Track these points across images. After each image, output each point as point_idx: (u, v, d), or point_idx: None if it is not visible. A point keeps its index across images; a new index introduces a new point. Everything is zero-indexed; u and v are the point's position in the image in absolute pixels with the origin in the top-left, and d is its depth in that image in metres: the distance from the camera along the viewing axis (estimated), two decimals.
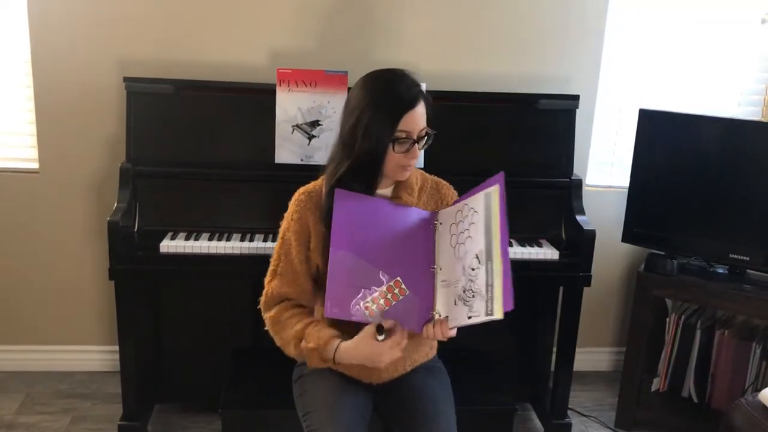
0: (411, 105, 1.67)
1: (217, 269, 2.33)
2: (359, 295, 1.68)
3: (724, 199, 2.57)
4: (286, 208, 1.82)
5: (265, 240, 2.36)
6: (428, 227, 1.76)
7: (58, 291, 2.91)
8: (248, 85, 2.53)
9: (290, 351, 1.72)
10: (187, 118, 2.47)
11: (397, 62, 1.77)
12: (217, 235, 2.37)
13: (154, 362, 2.66)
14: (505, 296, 1.55)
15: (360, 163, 1.70)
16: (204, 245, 2.30)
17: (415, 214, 1.78)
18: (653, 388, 2.86)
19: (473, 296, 1.60)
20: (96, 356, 2.99)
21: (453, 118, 2.54)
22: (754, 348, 2.60)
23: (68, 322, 2.95)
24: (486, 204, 1.64)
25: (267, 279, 1.78)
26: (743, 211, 2.55)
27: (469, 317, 1.60)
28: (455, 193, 1.88)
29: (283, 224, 1.78)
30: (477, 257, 1.62)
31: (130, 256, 2.27)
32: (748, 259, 2.55)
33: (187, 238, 2.33)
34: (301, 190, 1.80)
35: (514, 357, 2.77)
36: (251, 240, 2.35)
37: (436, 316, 1.68)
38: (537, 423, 2.78)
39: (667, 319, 2.81)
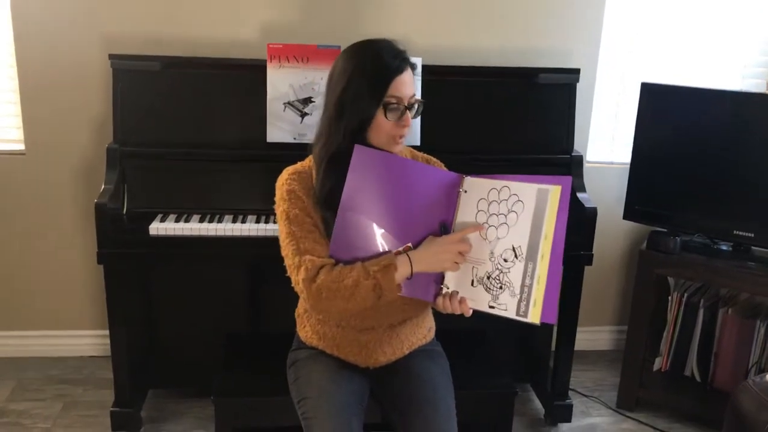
0: (399, 70, 1.61)
1: (209, 252, 2.26)
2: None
3: (728, 174, 2.50)
4: None
5: (257, 221, 2.29)
6: (451, 192, 1.66)
7: (47, 275, 2.85)
8: (238, 62, 2.45)
9: (363, 290, 1.55)
10: (175, 97, 2.40)
11: (390, 36, 1.69)
12: (208, 216, 2.30)
13: (147, 346, 2.61)
14: (546, 305, 1.53)
15: (350, 137, 1.63)
16: (195, 227, 2.23)
17: (439, 175, 1.69)
18: (655, 367, 2.82)
19: (500, 287, 1.57)
20: (88, 341, 2.94)
21: (449, 94, 2.47)
22: (759, 326, 2.55)
23: (59, 307, 2.90)
24: (539, 200, 1.56)
25: (294, 261, 1.61)
26: (748, 186, 2.48)
27: (491, 306, 1.57)
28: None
29: (280, 207, 1.68)
30: (513, 250, 1.57)
31: (118, 239, 2.20)
32: (752, 235, 2.48)
33: (177, 220, 2.26)
34: (290, 170, 1.72)
35: (513, 337, 2.72)
36: (243, 221, 2.29)
37: (444, 290, 1.62)
38: (537, 404, 2.74)
39: (670, 298, 2.76)
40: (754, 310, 2.66)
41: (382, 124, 1.61)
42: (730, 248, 2.60)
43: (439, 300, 1.63)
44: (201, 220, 2.28)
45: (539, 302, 1.54)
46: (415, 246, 1.63)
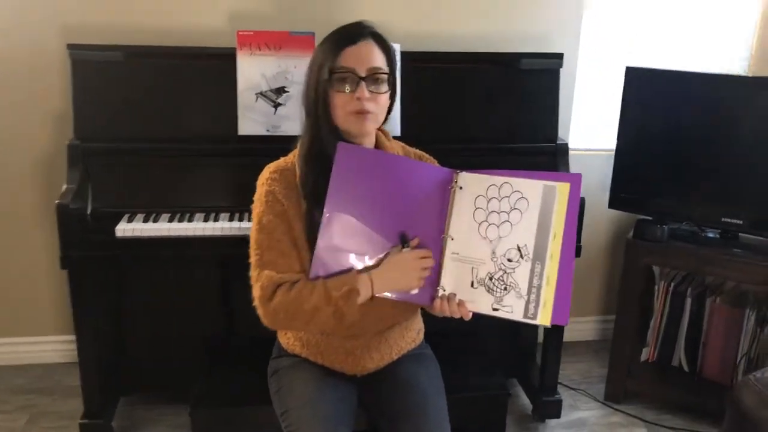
0: (353, 39, 1.51)
1: (180, 253, 2.13)
2: (351, 263, 1.52)
3: (716, 160, 2.45)
4: (252, 184, 1.63)
5: (231, 219, 2.16)
6: (444, 189, 1.56)
7: (8, 280, 2.70)
8: (206, 50, 2.32)
9: (323, 316, 1.47)
10: (140, 89, 2.25)
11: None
12: (178, 215, 2.17)
13: (116, 352, 2.47)
14: (557, 307, 1.47)
15: (317, 123, 1.54)
16: (164, 227, 2.10)
17: (430, 171, 1.59)
18: (642, 358, 2.76)
19: (505, 289, 1.50)
20: (53, 347, 2.80)
21: (429, 81, 2.37)
22: (747, 315, 2.50)
23: (22, 312, 2.74)
24: (546, 198, 1.49)
25: (254, 274, 1.54)
26: (736, 172, 2.43)
27: (495, 309, 1.51)
28: None
29: (256, 208, 1.57)
30: (519, 250, 1.50)
31: (83, 242, 2.06)
32: (741, 222, 2.43)
33: (145, 220, 2.13)
34: (271, 167, 1.60)
35: (499, 331, 2.64)
36: (216, 220, 2.16)
37: (440, 292, 1.53)
38: (524, 399, 2.67)
39: (656, 287, 2.70)
40: (741, 298, 2.61)
41: (334, 98, 1.51)
42: (718, 236, 2.54)
43: (436, 303, 1.53)
44: (171, 220, 2.15)
45: (549, 303, 1.47)
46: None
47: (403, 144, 1.72)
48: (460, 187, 1.55)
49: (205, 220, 2.16)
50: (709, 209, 2.48)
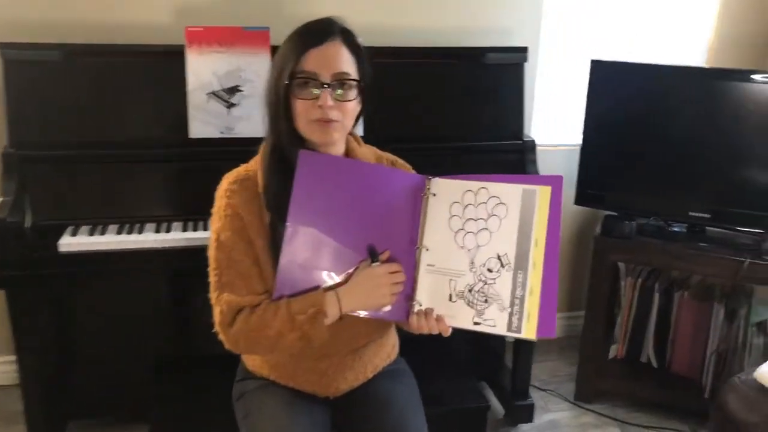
0: (319, 40, 1.37)
1: (131, 267, 1.98)
2: (319, 280, 1.40)
3: (682, 153, 2.41)
4: (206, 191, 1.50)
5: (184, 229, 2.02)
6: (415, 196, 1.46)
7: None
8: (152, 48, 2.15)
9: (288, 341, 1.37)
10: (80, 90, 2.08)
11: (322, 15, 1.46)
12: (127, 226, 2.02)
13: (63, 373, 2.29)
14: (543, 318, 1.37)
15: (277, 129, 1.42)
16: (112, 240, 1.95)
17: (400, 178, 1.49)
18: (611, 355, 2.73)
19: (486, 301, 1.40)
20: None
21: (389, 78, 2.24)
22: (716, 309, 2.48)
23: None
24: (525, 203, 1.40)
25: (213, 295, 1.42)
26: (703, 165, 2.40)
27: (476, 323, 1.41)
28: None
29: (214, 223, 1.44)
30: (499, 259, 1.40)
31: (22, 259, 1.89)
32: (709, 216, 2.40)
33: (91, 233, 1.97)
34: (230, 177, 1.46)
35: (465, 333, 2.55)
36: (168, 230, 2.02)
37: (416, 307, 1.43)
38: (493, 402, 2.60)
39: (623, 283, 2.67)
40: (708, 292, 2.59)
41: (296, 105, 1.39)
42: (685, 230, 2.51)
43: (412, 319, 1.43)
44: (119, 232, 1.99)
45: (534, 315, 1.38)
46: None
47: (375, 149, 1.61)
48: (433, 194, 1.46)
49: (157, 230, 2.02)
50: (676, 203, 2.45)
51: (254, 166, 1.47)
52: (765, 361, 2.40)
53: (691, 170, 2.42)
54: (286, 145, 1.42)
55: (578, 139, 2.57)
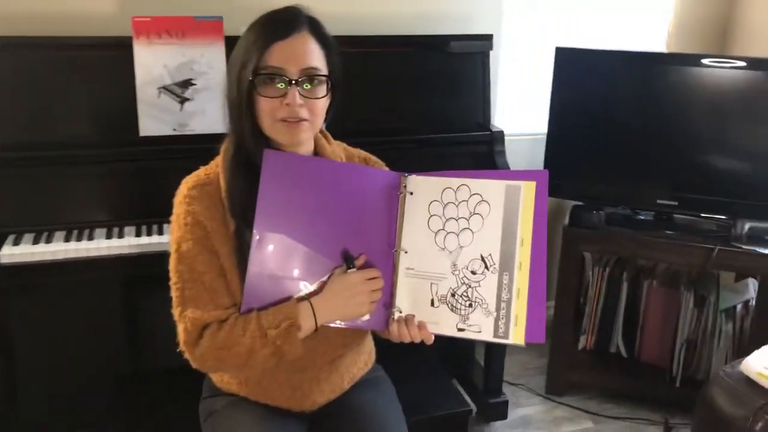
0: (285, 32, 1.26)
1: (81, 277, 1.84)
2: (290, 290, 1.30)
3: (648, 141, 2.38)
4: (160, 192, 1.39)
5: (138, 234, 1.89)
6: (391, 195, 1.36)
7: None
8: (96, 40, 2.00)
9: (260, 358, 1.26)
10: (15, 87, 1.92)
11: (278, 2, 1.35)
12: (75, 232, 1.87)
13: (7, 397, 2.09)
14: (531, 323, 1.29)
15: (240, 127, 1.30)
16: (60, 248, 1.80)
17: (374, 176, 1.39)
18: (580, 346, 2.70)
19: (470, 305, 1.32)
20: None
21: (348, 68, 2.14)
22: (686, 296, 2.46)
23: None
24: (509, 200, 1.31)
25: (176, 311, 1.30)
26: (668, 153, 2.37)
27: (461, 329, 1.33)
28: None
29: (174, 232, 1.32)
30: (483, 260, 1.31)
31: None
32: (676, 203, 2.38)
33: (35, 241, 1.82)
34: (189, 182, 1.34)
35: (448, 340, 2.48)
36: (120, 236, 1.88)
37: (396, 314, 1.34)
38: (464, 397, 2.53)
39: (590, 273, 2.64)
40: (676, 279, 2.57)
41: (261, 104, 1.27)
42: (652, 218, 2.49)
43: (392, 327, 1.34)
44: (67, 239, 1.84)
45: (522, 319, 1.30)
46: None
47: (345, 145, 1.50)
48: (411, 193, 1.37)
49: (108, 236, 1.88)
50: (644, 192, 2.42)
51: (215, 168, 1.35)
52: (733, 348, 2.42)
53: (657, 158, 2.39)
54: (249, 145, 1.31)
55: (543, 128, 2.52)
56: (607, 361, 2.64)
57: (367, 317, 1.34)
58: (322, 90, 1.31)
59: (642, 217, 2.50)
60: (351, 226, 1.35)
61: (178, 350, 1.30)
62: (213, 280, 1.29)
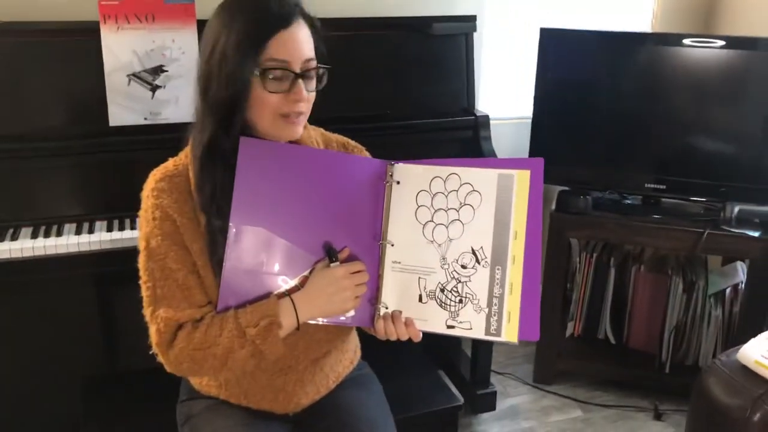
0: (284, 22, 1.17)
1: (49, 275, 1.76)
2: (270, 286, 1.24)
3: (635, 123, 2.33)
4: (131, 184, 1.30)
5: (109, 229, 1.81)
6: (376, 185, 1.29)
7: None
8: (60, 25, 1.89)
9: (239, 359, 1.19)
10: None
11: None
12: (43, 228, 1.78)
13: None
14: (525, 319, 1.23)
15: (223, 120, 1.20)
16: (27, 245, 1.71)
17: (358, 164, 1.32)
18: (567, 333, 2.65)
19: (460, 301, 1.25)
20: None
21: (328, 53, 2.06)
22: (675, 281, 2.42)
23: None
24: (502, 190, 1.24)
25: (147, 311, 1.23)
26: (656, 135, 2.33)
27: (450, 326, 1.27)
28: (369, 156, 1.44)
29: (142, 228, 1.24)
30: (474, 254, 1.25)
31: None
32: (664, 187, 2.33)
33: (0, 238, 1.73)
34: (157, 174, 1.26)
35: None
36: (91, 231, 1.79)
37: (382, 310, 1.28)
38: (451, 388, 2.46)
39: (578, 259, 2.59)
40: (663, 263, 2.54)
41: (263, 98, 1.19)
42: (640, 202, 2.44)
43: (379, 324, 1.27)
44: (34, 235, 1.76)
45: (515, 316, 1.24)
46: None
47: (323, 131, 1.42)
48: (397, 182, 1.30)
49: (78, 231, 1.79)
50: (632, 176, 2.37)
51: (184, 159, 1.27)
52: (723, 333, 2.39)
53: (644, 141, 2.35)
54: (230, 141, 1.21)
55: (527, 111, 2.46)
56: (595, 348, 2.60)
57: (351, 313, 1.28)
58: (315, 81, 1.25)
59: (629, 202, 2.46)
60: (334, 217, 1.28)
61: (150, 352, 1.23)
62: (186, 277, 1.22)
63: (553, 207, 2.42)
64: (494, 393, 2.32)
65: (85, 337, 2.00)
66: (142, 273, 1.24)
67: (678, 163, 2.32)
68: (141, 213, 1.25)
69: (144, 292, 1.23)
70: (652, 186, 2.34)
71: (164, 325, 1.19)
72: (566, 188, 2.44)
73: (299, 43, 1.19)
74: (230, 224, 1.20)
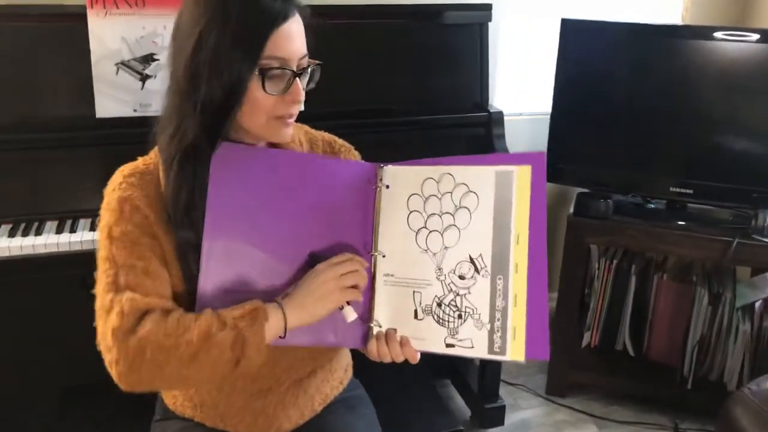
0: (283, 16, 1.04)
1: (28, 277, 1.65)
2: None
3: (662, 122, 2.17)
4: None
5: (92, 228, 1.70)
6: (365, 190, 1.17)
7: None
8: (44, 9, 1.77)
9: (216, 347, 1.01)
10: None
11: None
12: (22, 226, 1.68)
13: None
14: (532, 335, 1.09)
15: (211, 121, 1.07)
16: (3, 245, 1.61)
17: (345, 168, 1.19)
18: (584, 343, 2.51)
19: (460, 316, 1.12)
20: None
21: (328, 42, 1.92)
22: (699, 292, 2.26)
23: None
24: (500, 189, 1.10)
25: (105, 298, 1.04)
26: (684, 135, 2.17)
27: (450, 345, 1.13)
28: (358, 156, 1.31)
29: (103, 219, 1.10)
30: (472, 262, 1.12)
31: None
32: (691, 191, 2.17)
33: None
34: (125, 170, 1.13)
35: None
36: (73, 230, 1.69)
37: (375, 329, 1.15)
38: (459, 401, 2.35)
39: (596, 265, 2.44)
40: (687, 272, 2.38)
41: (259, 99, 1.06)
42: (664, 207, 2.28)
43: (371, 345, 1.14)
44: (12, 234, 1.65)
45: (521, 331, 1.09)
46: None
47: (307, 128, 1.29)
48: (387, 186, 1.17)
49: (59, 229, 1.69)
50: (656, 179, 2.22)
51: (154, 158, 1.14)
52: (750, 348, 2.23)
53: (670, 141, 2.19)
54: (210, 144, 1.09)
55: (544, 106, 2.32)
56: (612, 359, 2.45)
57: (339, 334, 1.14)
58: (312, 79, 1.13)
59: (653, 206, 2.30)
60: (320, 228, 1.15)
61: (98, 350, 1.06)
62: (157, 267, 1.07)
63: (572, 210, 2.27)
64: (503, 407, 2.19)
65: (62, 344, 1.87)
66: (100, 263, 1.08)
67: (706, 166, 2.15)
68: (102, 207, 1.11)
69: (101, 280, 1.06)
70: (678, 190, 2.18)
71: (129, 306, 1.02)
72: (586, 190, 2.29)
73: (296, 38, 1.07)
74: (204, 241, 1.08)
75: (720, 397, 2.25)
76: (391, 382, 1.68)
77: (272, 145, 1.18)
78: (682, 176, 2.17)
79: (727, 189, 2.14)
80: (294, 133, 1.20)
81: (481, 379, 2.17)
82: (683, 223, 2.18)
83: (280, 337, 1.07)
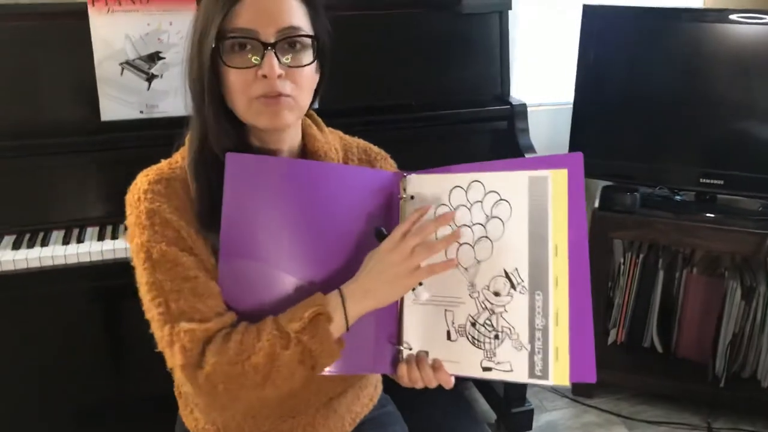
0: None
1: (35, 291, 1.57)
2: None
3: (691, 111, 2.08)
4: (126, 187, 1.07)
5: (101, 237, 1.61)
6: (388, 202, 1.08)
7: None
8: (44, 8, 1.70)
9: (285, 366, 0.95)
10: None
11: None
12: (27, 236, 1.60)
13: None
14: (576, 355, 1.00)
15: (203, 114, 1.02)
16: (7, 257, 1.53)
17: (367, 179, 1.09)
18: (610, 340, 2.43)
19: (496, 337, 1.03)
20: None
21: (342, 33, 1.83)
22: (732, 287, 2.17)
23: None
24: (536, 196, 1.01)
25: (164, 331, 0.97)
26: (715, 125, 2.07)
27: (487, 369, 1.04)
28: (394, 165, 1.22)
29: (135, 238, 1.01)
30: (508, 277, 1.02)
31: None
32: (722, 182, 2.08)
33: None
34: (150, 174, 1.04)
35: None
36: (80, 240, 1.61)
37: (405, 352, 1.06)
38: (483, 404, 2.27)
39: (622, 259, 2.35)
40: (716, 265, 2.29)
41: (228, 78, 0.99)
42: (693, 199, 2.19)
43: (401, 369, 1.05)
44: (17, 245, 1.57)
45: (564, 352, 1.00)
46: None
47: (341, 134, 1.21)
48: (411, 197, 1.07)
49: (66, 240, 1.60)
50: (685, 170, 2.13)
51: (181, 161, 1.05)
52: None
53: (699, 130, 2.10)
54: (216, 136, 1.02)
55: (566, 96, 2.22)
56: (640, 357, 2.37)
57: (369, 359, 1.05)
58: (308, 56, 1.01)
59: (681, 198, 2.21)
60: (341, 243, 1.06)
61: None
62: (205, 283, 0.99)
63: (596, 204, 2.18)
64: (531, 411, 2.11)
65: (79, 362, 1.80)
66: (145, 291, 1.00)
67: (737, 156, 2.06)
68: (129, 223, 1.03)
69: (154, 312, 0.98)
70: (708, 181, 2.09)
71: (190, 340, 0.95)
72: (611, 183, 2.20)
73: (272, 8, 0.98)
74: (219, 261, 1.00)
75: (755, 394, 2.21)
76: (420, 393, 1.60)
77: (304, 155, 1.09)
78: (712, 167, 2.09)
79: (759, 179, 2.05)
80: (329, 140, 1.12)
81: (507, 383, 2.09)
82: (713, 215, 2.09)
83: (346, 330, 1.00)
